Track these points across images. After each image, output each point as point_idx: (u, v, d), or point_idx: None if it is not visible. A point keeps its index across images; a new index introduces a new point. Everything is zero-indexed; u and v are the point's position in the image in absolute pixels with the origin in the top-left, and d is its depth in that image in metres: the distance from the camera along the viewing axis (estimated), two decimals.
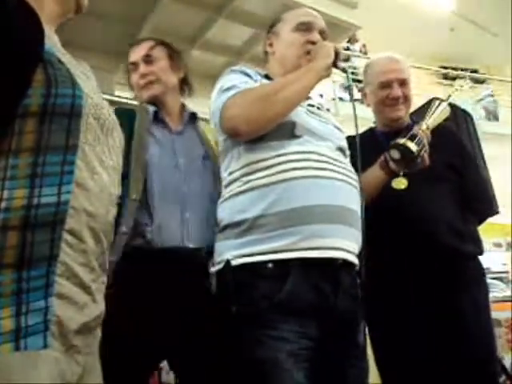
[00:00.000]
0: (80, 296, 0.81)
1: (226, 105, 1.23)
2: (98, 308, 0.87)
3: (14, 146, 0.77)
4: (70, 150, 0.80)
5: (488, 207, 1.77)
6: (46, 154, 0.78)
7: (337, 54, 1.33)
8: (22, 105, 0.77)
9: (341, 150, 1.36)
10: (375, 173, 1.48)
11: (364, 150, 1.49)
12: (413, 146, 1.41)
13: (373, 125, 1.86)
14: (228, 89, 1.27)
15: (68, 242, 0.79)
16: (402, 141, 1.42)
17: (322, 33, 1.44)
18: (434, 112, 1.54)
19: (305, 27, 1.42)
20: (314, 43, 1.39)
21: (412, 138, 1.42)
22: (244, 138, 1.27)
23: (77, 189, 0.80)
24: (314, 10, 4.67)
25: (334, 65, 1.33)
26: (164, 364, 3.83)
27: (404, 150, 1.42)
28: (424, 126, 1.48)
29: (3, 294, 0.72)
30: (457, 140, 1.79)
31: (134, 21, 4.30)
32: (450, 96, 1.77)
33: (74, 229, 0.80)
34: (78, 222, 0.81)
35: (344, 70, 1.36)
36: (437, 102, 1.57)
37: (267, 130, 1.23)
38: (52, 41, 0.87)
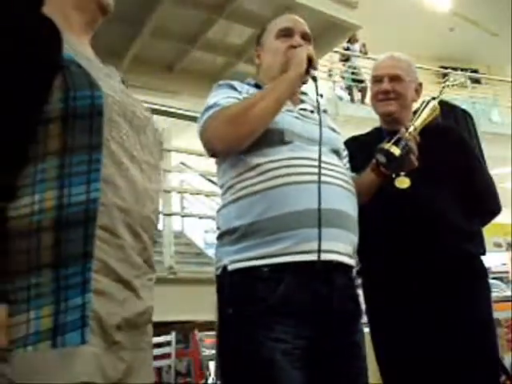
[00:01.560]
0: (120, 292, 0.82)
1: (203, 127, 1.28)
2: (144, 304, 0.88)
3: (41, 151, 0.80)
4: (95, 148, 0.82)
5: (495, 207, 1.76)
6: (71, 155, 0.80)
7: (310, 60, 1.30)
8: (44, 111, 0.81)
9: (335, 152, 1.37)
10: (368, 175, 1.48)
11: (371, 149, 1.49)
12: (396, 151, 1.39)
13: (374, 125, 1.86)
14: (209, 108, 1.29)
15: (102, 238, 0.81)
16: (386, 146, 1.42)
17: (304, 36, 1.42)
18: (421, 112, 1.53)
19: (285, 33, 1.41)
20: (296, 47, 1.37)
21: (396, 143, 1.41)
22: (222, 156, 1.33)
23: (104, 185, 0.82)
24: (315, 9, 4.63)
25: (307, 72, 1.30)
26: (164, 364, 3.85)
27: (388, 154, 1.42)
28: (411, 128, 1.47)
29: (43, 294, 0.75)
30: (461, 139, 1.79)
31: (134, 21, 4.31)
32: (440, 93, 1.77)
33: (107, 225, 0.82)
34: (110, 218, 0.82)
35: (314, 79, 1.31)
36: (425, 102, 1.56)
37: (243, 147, 1.25)
38: (76, 49, 0.91)
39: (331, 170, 1.27)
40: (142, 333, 0.89)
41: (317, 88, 1.34)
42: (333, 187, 1.24)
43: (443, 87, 1.86)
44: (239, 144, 1.25)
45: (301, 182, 1.21)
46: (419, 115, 1.51)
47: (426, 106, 1.53)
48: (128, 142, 0.89)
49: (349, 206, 1.27)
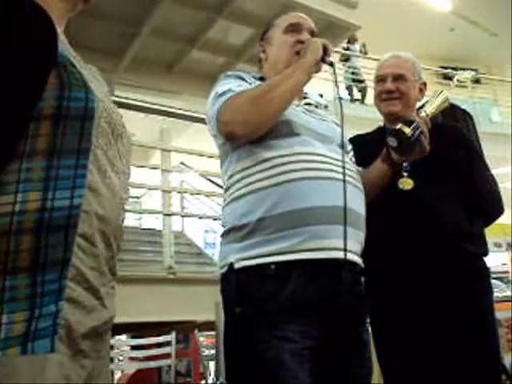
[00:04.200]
0: (89, 300, 0.81)
1: (221, 110, 1.23)
2: (108, 313, 0.86)
3: (28, 149, 0.76)
4: (83, 153, 0.80)
5: (498, 208, 1.76)
6: (59, 158, 0.78)
7: (325, 48, 1.32)
8: (36, 107, 0.77)
9: (341, 147, 1.35)
10: (378, 166, 1.47)
11: (375, 147, 1.48)
12: (408, 131, 1.39)
13: (374, 125, 1.86)
14: (222, 94, 1.27)
15: (80, 246, 0.79)
16: (397, 126, 1.41)
17: (311, 33, 1.44)
18: (434, 100, 1.53)
19: (294, 28, 1.43)
20: (303, 43, 1.38)
21: (408, 124, 1.41)
22: (241, 140, 1.27)
23: (89, 193, 0.80)
24: (314, 9, 4.64)
25: (322, 60, 1.33)
26: (164, 364, 3.85)
27: (400, 135, 1.39)
28: (423, 113, 1.47)
29: (18, 298, 0.72)
30: (465, 140, 1.78)
31: (134, 21, 4.31)
32: (450, 86, 1.79)
33: (87, 233, 0.80)
34: (90, 226, 0.80)
35: (331, 64, 1.34)
36: (437, 91, 1.57)
37: (264, 131, 1.24)
38: (64, 43, 0.86)
39: (339, 166, 1.25)
40: (103, 341, 0.87)
41: (335, 72, 1.36)
42: (342, 184, 1.22)
43: (455, 85, 1.88)
44: (261, 127, 1.23)
45: (311, 178, 1.20)
46: (431, 103, 1.52)
47: (438, 95, 1.55)
48: (111, 151, 0.88)
49: (358, 203, 1.26)
